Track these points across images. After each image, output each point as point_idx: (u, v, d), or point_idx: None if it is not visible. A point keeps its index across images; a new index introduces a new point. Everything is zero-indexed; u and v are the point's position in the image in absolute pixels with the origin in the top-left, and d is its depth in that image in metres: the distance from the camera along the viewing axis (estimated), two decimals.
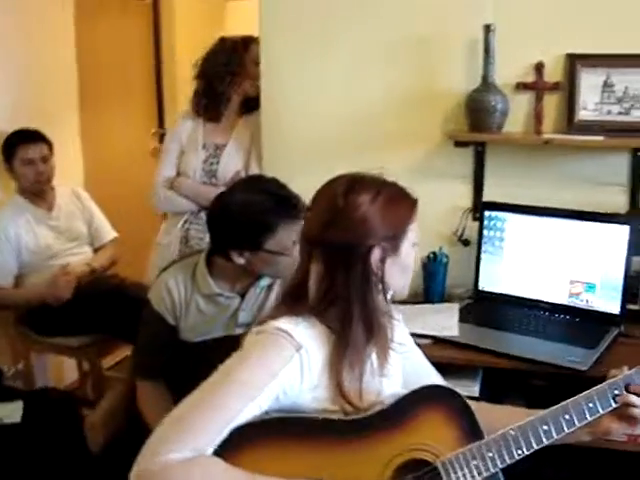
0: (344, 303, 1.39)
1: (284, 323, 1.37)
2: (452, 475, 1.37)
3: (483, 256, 2.37)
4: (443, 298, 2.42)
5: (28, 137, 3.05)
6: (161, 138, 4.34)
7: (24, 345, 3.11)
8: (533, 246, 2.29)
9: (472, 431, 1.42)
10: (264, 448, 1.31)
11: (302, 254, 1.45)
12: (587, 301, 2.22)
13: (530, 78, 2.37)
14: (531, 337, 2.12)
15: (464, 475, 1.37)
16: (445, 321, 2.20)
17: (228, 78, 2.76)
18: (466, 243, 2.49)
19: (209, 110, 2.78)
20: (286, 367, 1.32)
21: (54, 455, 2.46)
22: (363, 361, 1.41)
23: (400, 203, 1.44)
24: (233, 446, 1.26)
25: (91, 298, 2.96)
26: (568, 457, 1.79)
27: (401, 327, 1.63)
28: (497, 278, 2.36)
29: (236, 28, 4.00)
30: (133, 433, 2.11)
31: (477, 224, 2.45)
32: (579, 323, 2.20)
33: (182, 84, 4.21)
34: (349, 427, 1.36)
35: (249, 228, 1.94)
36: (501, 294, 2.35)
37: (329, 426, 1.36)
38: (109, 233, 3.32)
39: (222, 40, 2.83)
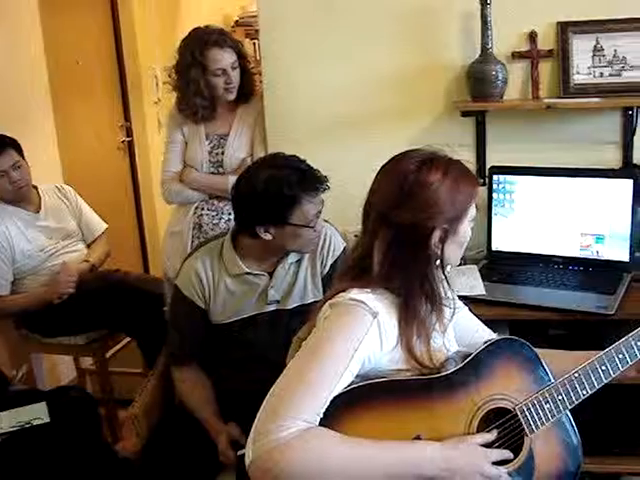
0: (406, 278, 1.44)
1: (356, 294, 1.42)
2: (530, 420, 1.47)
3: (494, 218, 2.49)
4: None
5: None
6: (128, 131, 4.30)
7: (25, 348, 3.06)
8: (542, 205, 2.42)
9: (542, 378, 1.51)
10: (360, 414, 1.37)
11: (368, 229, 1.48)
12: (597, 252, 2.36)
13: (524, 47, 2.49)
14: (552, 289, 2.25)
15: (540, 418, 1.47)
16: (470, 281, 2.30)
17: (200, 88, 2.66)
18: None
19: (198, 115, 2.72)
20: (368, 334, 1.38)
21: (83, 453, 2.46)
22: (427, 327, 1.48)
23: (464, 182, 1.47)
24: (332, 415, 1.32)
25: (97, 294, 2.93)
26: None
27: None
28: (509, 238, 2.48)
29: (193, 15, 4.01)
30: (174, 422, 2.16)
31: (482, 189, 2.57)
32: (593, 272, 2.33)
33: (145, 74, 4.19)
34: (435, 385, 1.43)
35: (275, 202, 1.97)
36: (514, 252, 2.48)
37: (416, 386, 1.43)
38: (100, 225, 3.23)
39: (180, 49, 2.69)
